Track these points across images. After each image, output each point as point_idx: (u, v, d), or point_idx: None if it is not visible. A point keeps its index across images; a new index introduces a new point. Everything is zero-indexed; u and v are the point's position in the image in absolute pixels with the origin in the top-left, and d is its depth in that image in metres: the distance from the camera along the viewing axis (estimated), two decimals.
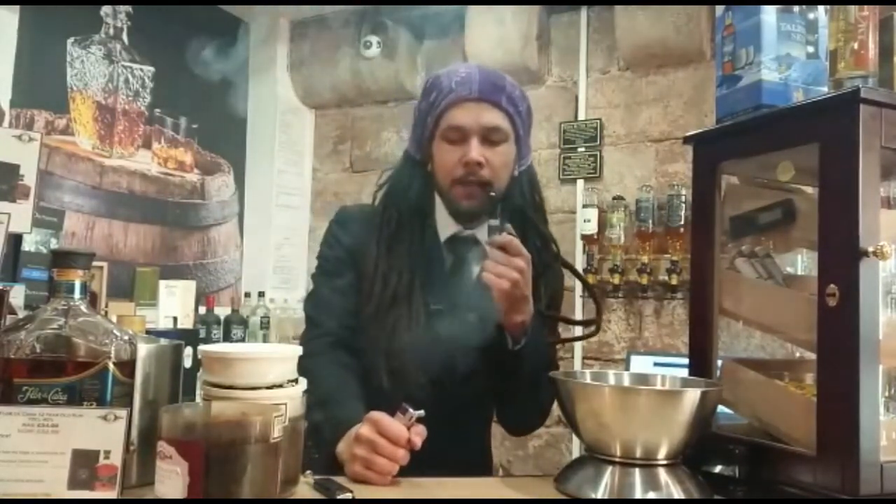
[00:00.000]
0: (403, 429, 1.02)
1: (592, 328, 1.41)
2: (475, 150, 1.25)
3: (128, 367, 0.88)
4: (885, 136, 0.89)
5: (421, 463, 1.03)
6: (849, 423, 0.86)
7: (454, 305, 1.29)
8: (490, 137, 1.27)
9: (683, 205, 2.91)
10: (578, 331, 1.55)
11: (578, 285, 3.13)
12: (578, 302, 3.14)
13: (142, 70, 3.37)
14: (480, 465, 1.42)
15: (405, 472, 1.03)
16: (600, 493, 0.93)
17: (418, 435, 1.03)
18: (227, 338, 3.28)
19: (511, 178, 1.33)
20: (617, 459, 0.95)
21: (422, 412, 1.04)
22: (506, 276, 1.14)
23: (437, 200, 1.35)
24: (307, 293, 1.39)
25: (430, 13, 3.51)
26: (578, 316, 3.15)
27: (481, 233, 1.32)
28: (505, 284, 1.14)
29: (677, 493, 0.92)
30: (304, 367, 1.00)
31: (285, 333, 3.44)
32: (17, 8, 2.83)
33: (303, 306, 1.39)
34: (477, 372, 1.29)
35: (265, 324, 3.44)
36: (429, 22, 3.58)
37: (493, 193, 1.27)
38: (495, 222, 1.19)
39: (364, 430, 1.04)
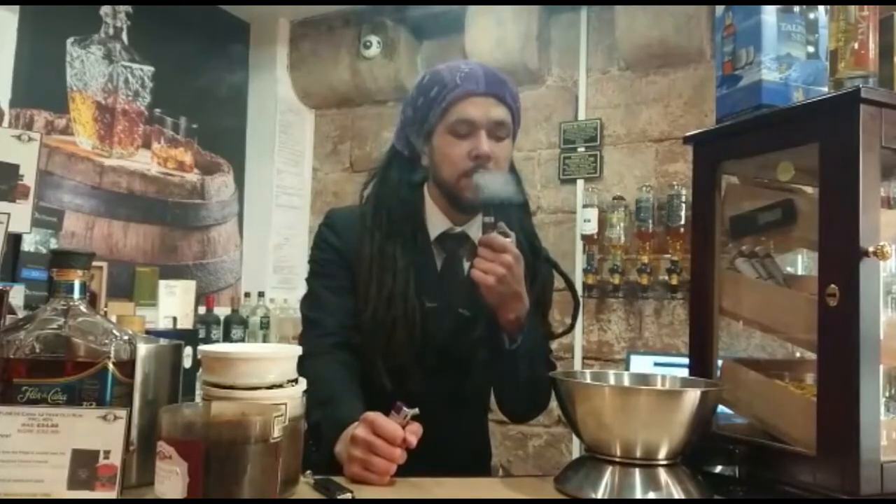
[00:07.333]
0: (399, 428, 1.02)
1: (566, 326, 1.41)
2: (485, 144, 1.27)
3: (127, 367, 0.88)
4: (885, 136, 0.89)
5: (421, 457, 1.03)
6: (849, 423, 0.86)
7: (448, 303, 1.31)
8: (496, 132, 1.29)
9: (683, 205, 2.91)
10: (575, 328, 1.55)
11: (578, 285, 3.14)
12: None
13: (142, 70, 3.37)
14: (480, 456, 1.43)
15: (404, 466, 1.03)
16: (600, 493, 0.93)
17: (413, 433, 1.03)
18: (226, 338, 3.28)
19: None
20: (617, 459, 0.95)
21: (416, 410, 1.04)
22: (491, 272, 1.16)
23: (427, 198, 1.36)
24: (303, 295, 1.39)
25: (430, 13, 3.50)
26: (578, 317, 3.16)
27: (471, 230, 1.33)
28: (490, 280, 1.16)
29: (677, 493, 0.92)
30: (305, 366, 1.00)
31: (285, 333, 3.44)
32: (16, 8, 2.83)
33: (300, 308, 1.40)
34: (474, 366, 1.31)
35: (265, 324, 3.44)
36: (429, 22, 3.58)
37: (497, 222, 1.23)
38: (489, 219, 1.20)
39: (359, 431, 1.04)
